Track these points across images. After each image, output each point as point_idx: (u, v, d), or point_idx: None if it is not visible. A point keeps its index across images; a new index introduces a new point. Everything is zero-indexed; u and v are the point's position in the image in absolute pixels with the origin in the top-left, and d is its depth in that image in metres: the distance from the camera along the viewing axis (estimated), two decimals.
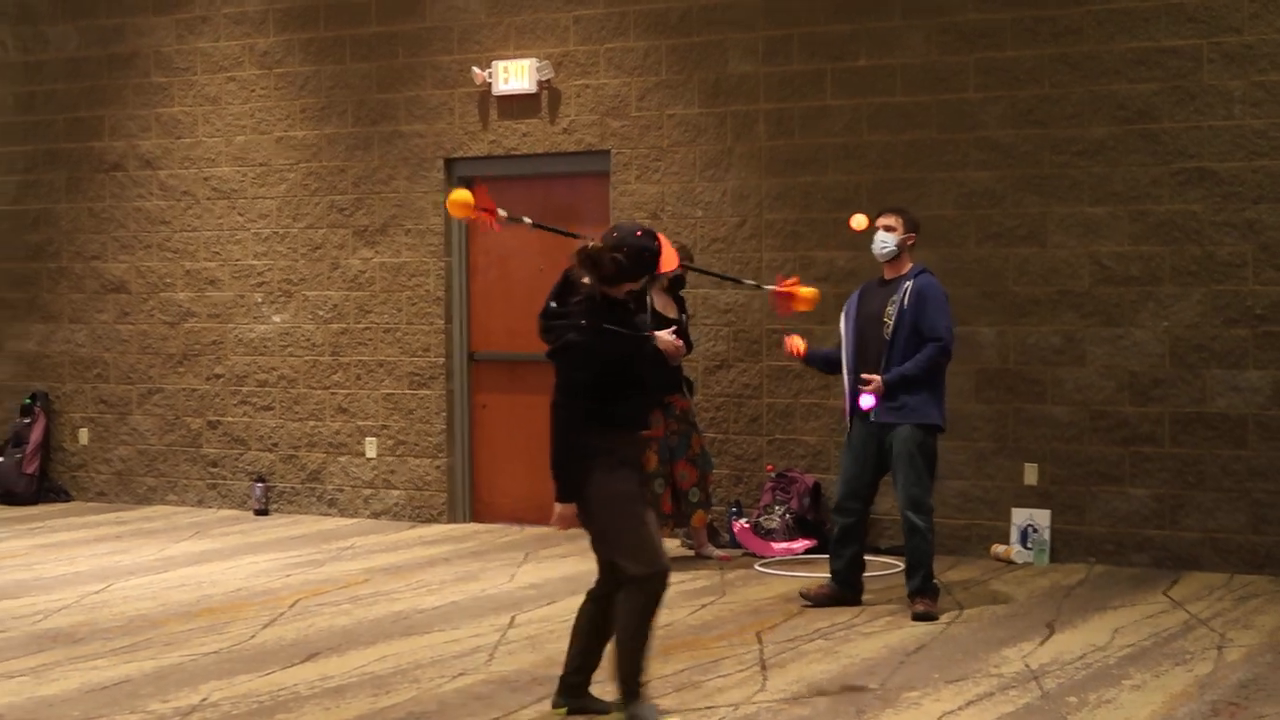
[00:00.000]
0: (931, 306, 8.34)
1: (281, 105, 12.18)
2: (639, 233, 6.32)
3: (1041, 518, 9.85)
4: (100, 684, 7.20)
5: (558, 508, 6.33)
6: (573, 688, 6.56)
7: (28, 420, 13.02)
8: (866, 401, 8.40)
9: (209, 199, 12.46)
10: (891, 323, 8.36)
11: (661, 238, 6.41)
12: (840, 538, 8.63)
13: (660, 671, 7.03)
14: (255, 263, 12.28)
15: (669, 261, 6.43)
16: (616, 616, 6.26)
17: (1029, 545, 9.84)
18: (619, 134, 11.04)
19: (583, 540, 10.23)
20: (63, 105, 13.08)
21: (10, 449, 12.96)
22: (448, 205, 7.75)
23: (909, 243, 8.55)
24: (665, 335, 6.91)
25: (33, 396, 13.11)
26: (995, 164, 10.00)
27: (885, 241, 8.51)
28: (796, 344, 8.63)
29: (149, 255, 12.72)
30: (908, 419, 8.36)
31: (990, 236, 10.02)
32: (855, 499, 8.56)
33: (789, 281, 8.44)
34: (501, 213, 7.56)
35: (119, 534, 11.44)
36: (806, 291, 8.06)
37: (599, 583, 6.50)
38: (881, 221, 8.56)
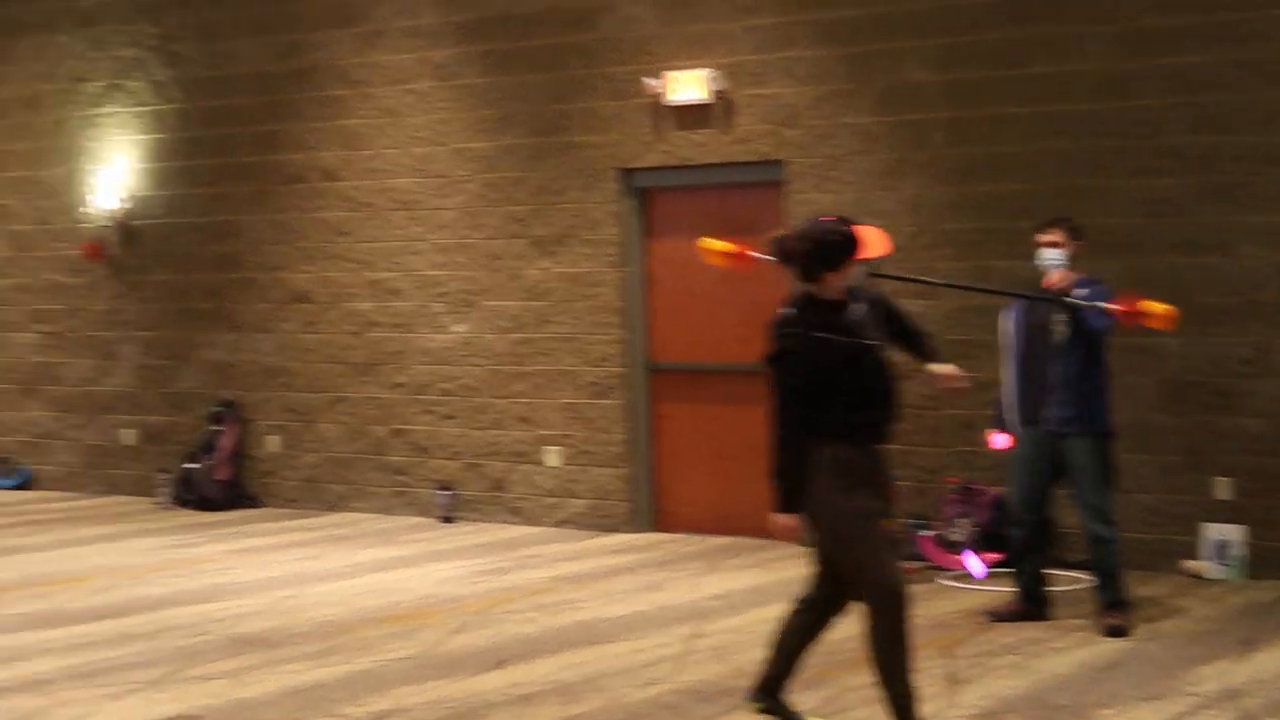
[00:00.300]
0: (1094, 313, 8.26)
1: (459, 117, 12.37)
2: (826, 219, 6.33)
3: (1235, 533, 9.65)
4: (295, 687, 7.41)
5: (777, 518, 6.21)
6: (770, 690, 6.54)
7: (219, 428, 13.37)
8: (1001, 441, 8.43)
9: (389, 210, 12.69)
10: (1059, 331, 8.31)
11: (864, 226, 6.30)
12: (1019, 551, 8.59)
13: (847, 684, 7.08)
14: (436, 273, 12.48)
15: (873, 247, 6.29)
16: (866, 646, 6.22)
17: (1223, 561, 9.64)
18: (793, 143, 11.07)
19: (767, 551, 10.46)
20: (247, 119, 13.39)
21: (202, 456, 13.31)
22: (703, 251, 7.65)
23: (1076, 253, 8.49)
24: (946, 369, 6.63)
25: (224, 404, 13.46)
26: (1178, 172, 9.88)
27: (1053, 258, 8.45)
28: (999, 440, 8.68)
29: (331, 266, 12.98)
30: (1080, 428, 8.31)
31: (1174, 246, 9.89)
32: (1030, 510, 8.52)
33: (1128, 300, 8.07)
34: (759, 255, 7.25)
35: (309, 540, 11.71)
36: (1160, 308, 7.58)
37: (811, 589, 6.44)
38: (1045, 238, 8.50)
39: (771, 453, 6.17)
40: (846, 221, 6.30)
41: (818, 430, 6.12)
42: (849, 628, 7.97)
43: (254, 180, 13.37)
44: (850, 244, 6.21)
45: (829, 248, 6.19)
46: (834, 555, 6.26)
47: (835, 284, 6.23)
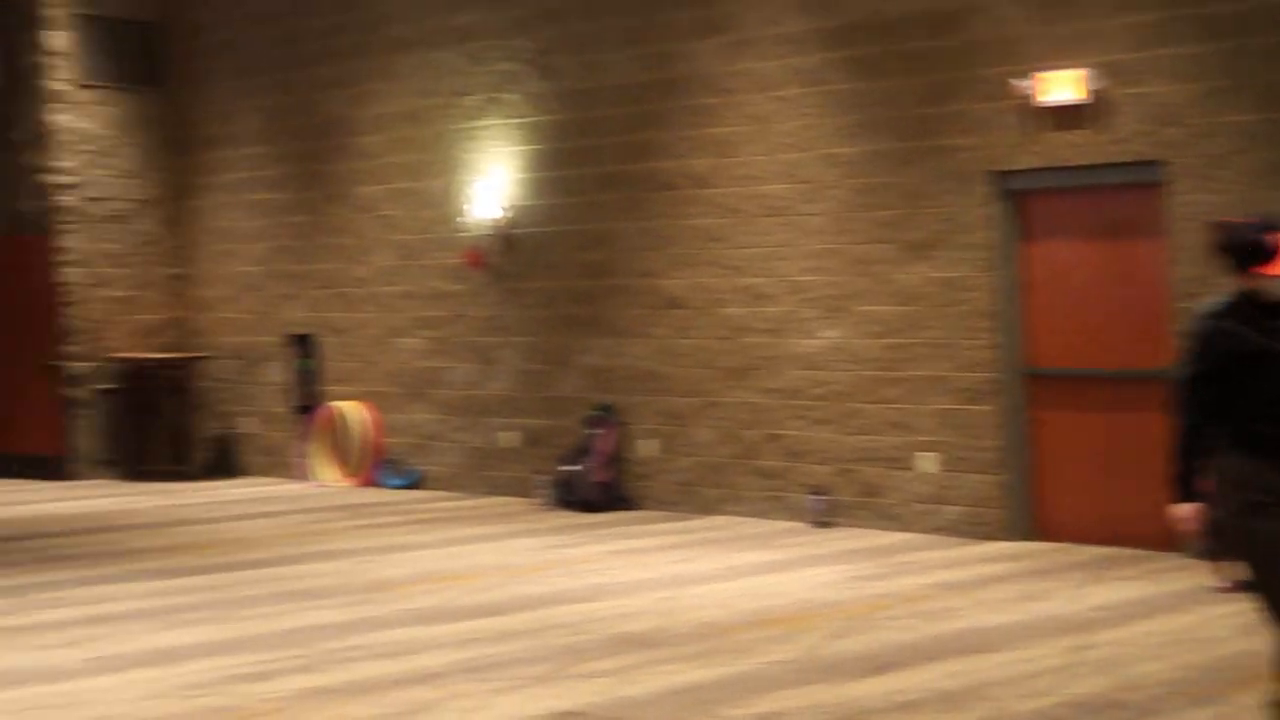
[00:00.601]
0: None
1: (826, 122, 12.41)
2: (1251, 219, 6.07)
3: None
4: (676, 687, 7.54)
5: (1171, 509, 5.94)
6: None
7: (597, 431, 13.68)
8: None
9: (758, 216, 12.81)
10: None
11: None
12: None
13: (1241, 702, 6.87)
14: (805, 278, 12.55)
15: None
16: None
17: None
18: (1172, 143, 10.76)
19: (1153, 562, 10.22)
20: (619, 129, 13.69)
21: (580, 459, 13.64)
22: None
23: None
24: None
25: (601, 408, 13.77)
26: None
27: None
28: None
29: (703, 272, 13.17)
30: None
31: None
32: None
33: None
34: None
35: (685, 542, 11.89)
36: None
37: None
38: None
39: (1169, 443, 5.94)
40: (1267, 228, 6.00)
41: (1224, 436, 5.84)
42: (1241, 643, 7.79)
43: (627, 189, 13.65)
44: (1256, 251, 5.83)
45: (1233, 249, 5.94)
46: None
47: (1261, 285, 5.84)
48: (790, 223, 12.63)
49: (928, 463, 11.92)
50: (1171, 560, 10.02)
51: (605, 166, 13.79)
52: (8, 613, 9.60)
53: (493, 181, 14.53)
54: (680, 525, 12.72)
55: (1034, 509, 11.56)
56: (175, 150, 17.29)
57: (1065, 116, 11.21)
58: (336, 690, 7.60)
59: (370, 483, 15.51)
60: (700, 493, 13.25)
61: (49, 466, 16.68)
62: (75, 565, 11.32)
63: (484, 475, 14.76)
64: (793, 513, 12.58)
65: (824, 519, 12.31)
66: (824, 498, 12.34)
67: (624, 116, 13.65)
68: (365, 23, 15.60)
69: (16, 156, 17.05)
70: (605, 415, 13.70)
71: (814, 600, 9.56)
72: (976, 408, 11.66)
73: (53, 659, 8.35)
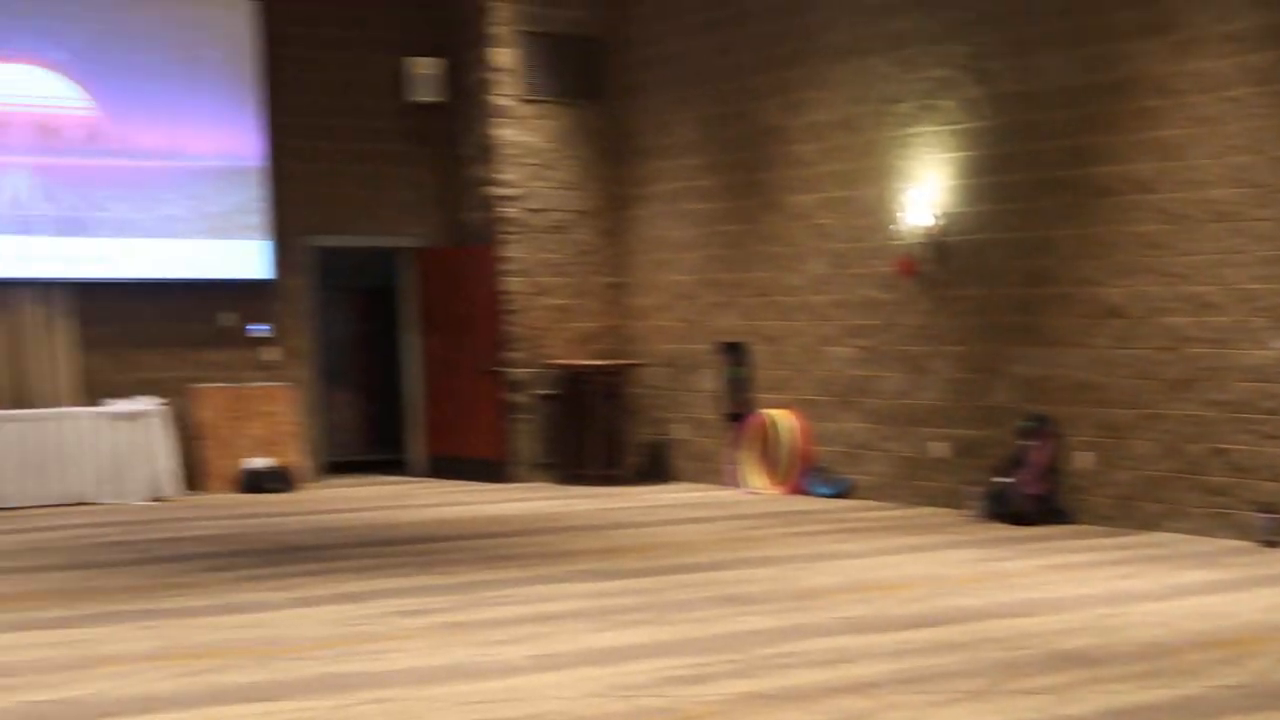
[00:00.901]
0: None
1: (1278, 123, 11.88)
2: None
3: None
4: (1118, 708, 7.29)
5: None
6: None
7: (1030, 442, 13.41)
8: None
9: (1204, 221, 12.35)
10: None
11: None
12: None
13: None
14: (1255, 287, 12.02)
15: None
16: None
17: None
18: None
19: None
20: (1057, 133, 13.38)
21: (1013, 470, 13.40)
22: None
23: None
24: None
25: (1035, 419, 13.48)
26: None
27: None
28: None
29: (1144, 280, 12.76)
30: None
31: None
32: None
33: None
34: None
35: (1124, 558, 11.53)
36: None
37: None
38: None
39: None
40: None
41: None
42: None
43: (1065, 194, 13.34)
44: None
45: None
46: None
47: None
48: (1239, 229, 12.13)
49: None
50: None
51: (1042, 172, 13.51)
52: (457, 609, 9.98)
53: (925, 189, 14.42)
54: (1118, 540, 12.35)
55: None
56: (613, 162, 17.77)
57: None
58: (771, 695, 7.63)
59: (799, 490, 15.60)
60: (1139, 507, 12.84)
61: (492, 469, 17.36)
62: (517, 565, 11.71)
63: (913, 485, 14.66)
64: (1239, 531, 12.07)
65: (1274, 538, 11.78)
66: (1275, 516, 11.80)
67: (1063, 120, 13.35)
68: (799, 31, 15.71)
69: (463, 170, 17.81)
70: (1040, 426, 13.41)
71: (1264, 623, 9.13)
72: None
73: (499, 655, 8.64)
